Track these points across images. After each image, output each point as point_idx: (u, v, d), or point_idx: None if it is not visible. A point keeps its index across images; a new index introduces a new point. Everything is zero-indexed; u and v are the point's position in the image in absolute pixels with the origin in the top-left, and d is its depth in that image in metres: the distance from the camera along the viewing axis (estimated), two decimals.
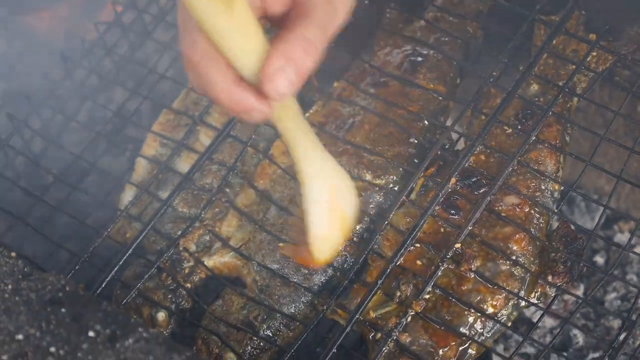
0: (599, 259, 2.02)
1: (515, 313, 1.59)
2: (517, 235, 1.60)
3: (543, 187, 1.66)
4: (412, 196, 1.68)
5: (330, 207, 1.30)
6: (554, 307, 1.93)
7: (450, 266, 1.59)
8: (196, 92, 1.86)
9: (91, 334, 1.34)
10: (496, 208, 1.63)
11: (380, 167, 1.70)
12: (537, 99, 1.75)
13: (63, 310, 1.37)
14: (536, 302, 1.58)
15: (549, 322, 1.93)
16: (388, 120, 1.73)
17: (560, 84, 1.74)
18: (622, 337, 1.55)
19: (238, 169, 1.76)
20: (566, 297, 1.95)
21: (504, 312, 1.57)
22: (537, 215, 1.63)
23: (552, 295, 1.58)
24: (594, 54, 1.77)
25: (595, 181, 2.11)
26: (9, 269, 1.42)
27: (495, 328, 1.57)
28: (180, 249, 1.69)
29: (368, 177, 1.70)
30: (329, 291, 1.64)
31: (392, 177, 1.70)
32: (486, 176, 1.66)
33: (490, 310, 1.56)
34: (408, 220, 1.64)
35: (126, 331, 1.35)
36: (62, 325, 1.35)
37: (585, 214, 2.09)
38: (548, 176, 1.66)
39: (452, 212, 1.64)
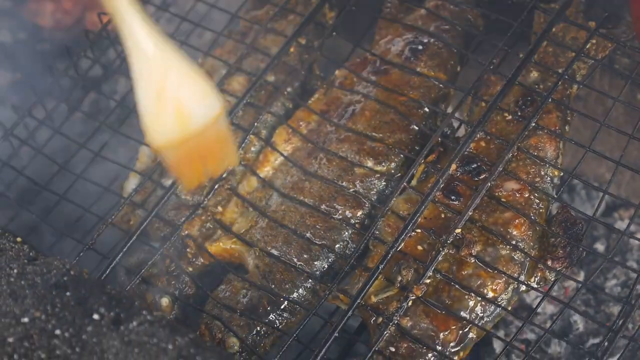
0: (600, 246, 2.03)
1: (515, 297, 1.60)
2: (517, 221, 1.62)
3: (543, 173, 1.67)
4: (413, 182, 1.69)
5: (159, 88, 1.28)
6: (554, 293, 1.95)
7: (450, 251, 1.60)
8: None
9: (95, 316, 1.36)
10: (496, 194, 1.65)
11: (382, 153, 1.72)
12: (537, 86, 1.76)
13: (68, 293, 1.39)
14: (536, 286, 1.59)
15: (549, 308, 1.94)
16: (389, 108, 1.75)
17: (560, 71, 1.75)
18: (620, 321, 1.57)
19: (241, 156, 1.77)
20: (566, 283, 1.96)
21: (504, 296, 1.58)
22: (537, 201, 1.65)
23: (552, 279, 1.60)
24: (594, 41, 1.78)
25: (595, 169, 2.12)
26: (15, 254, 1.44)
27: (495, 312, 1.58)
28: (184, 235, 1.70)
29: (369, 163, 1.71)
30: (330, 276, 1.65)
31: (393, 163, 1.72)
32: (486, 162, 1.67)
33: (491, 294, 1.58)
34: (409, 206, 1.66)
35: (130, 314, 1.37)
36: (67, 308, 1.37)
37: (585, 201, 2.11)
38: (548, 162, 1.67)
39: (453, 197, 1.65)
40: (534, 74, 1.78)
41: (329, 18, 1.91)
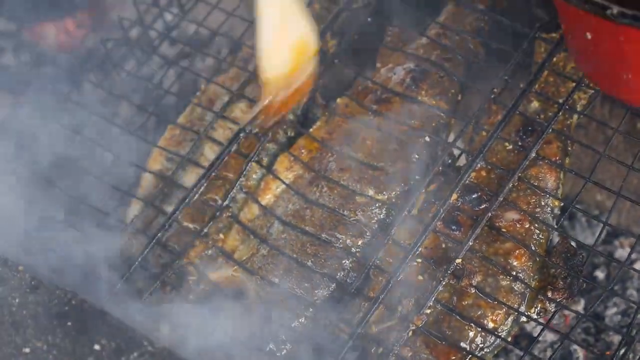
0: (600, 274, 2.04)
1: (515, 328, 1.61)
2: (517, 251, 1.63)
3: (543, 203, 1.68)
4: (414, 211, 1.70)
5: (280, 28, 1.55)
6: (554, 322, 1.95)
7: (451, 281, 1.61)
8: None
9: (96, 347, 1.36)
10: (497, 224, 1.65)
11: (383, 182, 1.72)
12: (537, 115, 1.77)
13: (69, 323, 1.39)
14: (536, 317, 1.60)
15: (549, 337, 1.94)
16: (390, 137, 1.76)
17: (561, 101, 1.76)
18: (621, 352, 1.57)
19: (242, 183, 1.78)
20: (567, 312, 1.97)
21: (504, 327, 1.59)
22: (537, 231, 1.65)
23: (552, 310, 1.60)
24: None
25: (596, 197, 2.12)
26: (17, 283, 1.45)
27: (495, 343, 1.59)
28: (185, 262, 1.71)
29: (371, 192, 1.72)
30: (331, 305, 1.65)
31: (394, 192, 1.72)
32: (487, 192, 1.68)
33: (491, 325, 1.58)
34: (410, 235, 1.66)
35: (131, 345, 1.37)
36: (68, 338, 1.37)
37: (586, 229, 2.11)
38: (548, 192, 1.68)
39: (454, 227, 1.66)
40: (535, 104, 1.79)
41: (331, 46, 1.92)
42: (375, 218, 1.71)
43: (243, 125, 1.77)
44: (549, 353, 1.93)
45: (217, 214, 1.75)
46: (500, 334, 1.58)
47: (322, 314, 1.64)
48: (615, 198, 1.66)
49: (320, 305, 1.65)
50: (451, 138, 1.79)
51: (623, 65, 1.56)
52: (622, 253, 2.06)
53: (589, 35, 1.55)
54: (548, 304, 1.60)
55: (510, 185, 1.68)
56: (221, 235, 1.74)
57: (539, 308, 1.60)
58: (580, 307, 1.97)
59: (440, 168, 1.72)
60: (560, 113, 1.74)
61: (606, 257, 1.64)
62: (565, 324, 1.96)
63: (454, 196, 1.67)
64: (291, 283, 1.67)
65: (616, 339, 1.93)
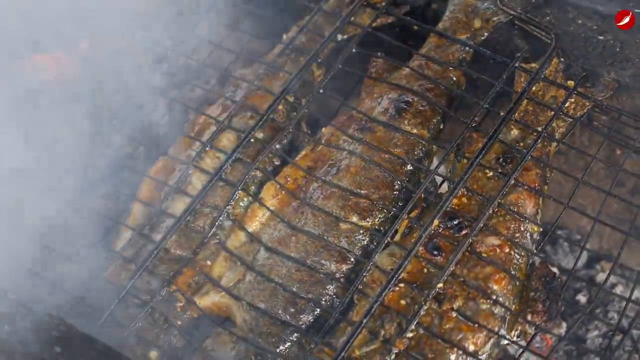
0: (582, 298, 2.07)
1: (496, 350, 1.64)
2: (497, 275, 1.66)
3: (523, 229, 1.72)
4: (397, 237, 1.74)
5: None
6: (537, 345, 1.98)
7: (432, 305, 1.64)
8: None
9: None
10: (477, 249, 1.69)
11: (366, 209, 1.76)
12: (517, 143, 1.81)
13: (58, 349, 1.42)
14: (516, 339, 1.63)
15: (533, 359, 1.97)
16: (374, 164, 1.80)
17: (539, 129, 1.80)
18: None
19: (229, 211, 1.82)
20: (549, 335, 2.00)
21: (485, 349, 1.62)
22: (517, 256, 1.69)
23: (532, 333, 1.64)
24: (572, 100, 1.84)
25: (578, 221, 2.16)
26: (6, 309, 1.48)
27: None
28: (173, 289, 1.74)
29: (354, 219, 1.76)
30: (316, 330, 1.69)
31: (377, 219, 1.76)
32: (468, 218, 1.72)
33: (472, 348, 1.62)
34: (392, 260, 1.70)
35: None
36: None
37: (568, 253, 2.15)
38: (527, 218, 1.72)
39: (435, 252, 1.69)
40: (515, 132, 1.83)
41: (317, 76, 1.97)
42: (359, 244, 1.75)
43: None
44: None
45: (205, 241, 1.79)
46: (481, 357, 1.61)
47: (307, 339, 1.67)
48: (593, 223, 1.70)
49: (305, 329, 1.68)
50: (433, 165, 1.83)
51: None
52: (603, 277, 2.10)
53: None
54: (528, 327, 1.63)
55: (491, 211, 1.72)
56: (208, 262, 1.78)
57: (519, 331, 1.64)
58: (562, 330, 2.00)
59: (423, 195, 1.76)
60: (539, 141, 1.79)
61: (584, 280, 1.68)
62: (546, 347, 1.99)
63: (436, 222, 1.71)
64: (277, 308, 1.70)
65: None
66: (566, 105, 1.83)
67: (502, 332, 1.63)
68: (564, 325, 2.02)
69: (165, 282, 1.75)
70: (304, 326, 1.69)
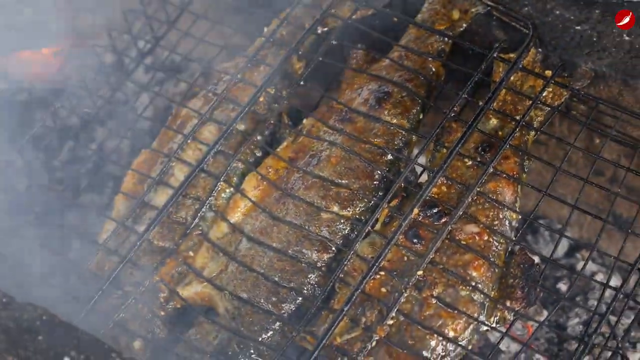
0: (562, 286, 2.09)
1: (475, 337, 1.66)
2: (476, 262, 1.68)
3: (501, 216, 1.74)
4: (377, 226, 1.75)
5: None
6: (518, 333, 2.00)
7: (413, 293, 1.66)
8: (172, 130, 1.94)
9: (66, 359, 1.41)
10: (457, 237, 1.71)
11: (347, 199, 1.78)
12: (495, 132, 1.83)
13: (40, 337, 1.44)
14: (495, 325, 1.65)
15: (513, 347, 2.00)
16: (354, 155, 1.82)
17: (518, 118, 1.82)
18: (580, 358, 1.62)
19: (211, 202, 1.84)
20: (530, 322, 2.02)
21: (464, 335, 1.64)
22: (496, 243, 1.71)
23: (511, 319, 1.66)
24: (550, 89, 1.86)
25: (558, 211, 2.18)
26: None
27: (456, 351, 1.64)
28: (156, 280, 1.76)
29: (335, 208, 1.78)
30: (298, 318, 1.71)
31: (358, 208, 1.78)
32: (447, 206, 1.74)
33: (452, 334, 1.63)
34: (373, 249, 1.72)
35: (99, 357, 1.41)
36: (39, 352, 1.42)
37: (549, 242, 2.17)
38: (506, 205, 1.74)
39: (415, 241, 1.71)
40: (493, 121, 1.85)
41: (298, 68, 1.98)
42: (340, 233, 1.76)
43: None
44: None
45: (187, 232, 1.80)
46: (461, 342, 1.63)
47: (289, 327, 1.69)
48: (571, 210, 1.72)
49: (287, 318, 1.70)
50: (413, 155, 1.85)
51: None
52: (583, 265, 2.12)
53: None
54: (507, 313, 1.65)
55: (470, 199, 1.74)
56: (191, 253, 1.80)
57: (498, 317, 1.66)
58: (543, 316, 2.02)
59: (403, 184, 1.77)
60: (517, 130, 1.81)
61: (562, 267, 1.70)
62: (528, 334, 2.01)
63: (415, 211, 1.73)
64: (259, 298, 1.72)
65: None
66: (544, 95, 1.85)
67: (482, 318, 1.65)
68: (545, 313, 2.03)
69: (149, 273, 1.76)
70: (285, 315, 1.71)
